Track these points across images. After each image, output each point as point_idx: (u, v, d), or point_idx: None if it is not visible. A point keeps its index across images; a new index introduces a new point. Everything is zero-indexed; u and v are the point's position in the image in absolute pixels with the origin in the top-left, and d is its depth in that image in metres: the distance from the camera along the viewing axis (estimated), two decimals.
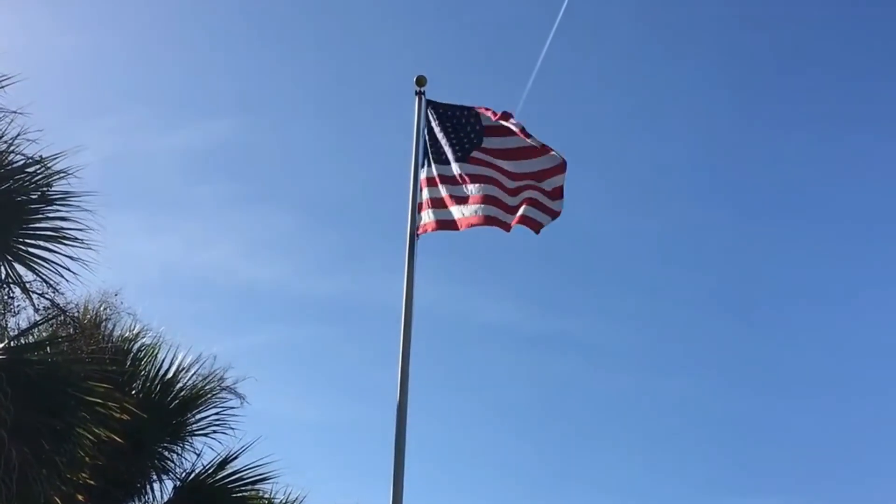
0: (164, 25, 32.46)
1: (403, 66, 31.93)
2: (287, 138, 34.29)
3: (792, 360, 32.36)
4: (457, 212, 10.97)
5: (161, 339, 11.94)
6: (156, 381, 11.75)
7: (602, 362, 32.60)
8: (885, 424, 29.35)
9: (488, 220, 10.96)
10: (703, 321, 33.73)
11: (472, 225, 10.94)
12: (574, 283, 34.11)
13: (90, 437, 9.56)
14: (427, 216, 10.99)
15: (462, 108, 11.44)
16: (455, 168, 11.13)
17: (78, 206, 9.40)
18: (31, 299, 9.62)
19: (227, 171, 33.67)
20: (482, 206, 10.95)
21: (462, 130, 11.30)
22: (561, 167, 11.11)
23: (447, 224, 10.96)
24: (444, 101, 11.45)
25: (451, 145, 11.21)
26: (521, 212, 11.00)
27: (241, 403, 12.08)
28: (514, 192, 11.12)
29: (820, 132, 33.58)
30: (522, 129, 11.22)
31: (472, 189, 11.02)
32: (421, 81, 11.44)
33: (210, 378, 11.98)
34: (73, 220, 9.42)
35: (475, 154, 11.19)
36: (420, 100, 11.37)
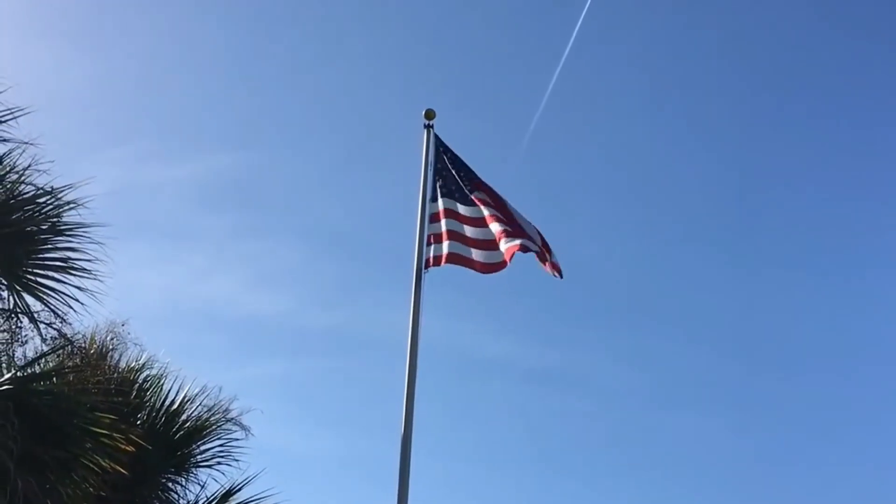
0: (172, 58, 32.73)
1: (412, 98, 32.11)
2: (292, 170, 34.45)
3: (793, 394, 32.23)
4: (472, 252, 10.88)
5: (167, 369, 11.93)
6: (161, 412, 11.71)
7: (603, 398, 32.48)
8: None
9: (501, 264, 10.87)
10: (704, 358, 33.60)
11: (493, 269, 10.85)
12: (575, 319, 34.03)
13: (95, 467, 9.50)
14: (437, 249, 10.90)
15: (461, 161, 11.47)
16: (463, 208, 11.12)
17: (87, 237, 9.45)
18: (38, 329, 9.65)
19: (232, 203, 33.79)
20: (495, 250, 10.83)
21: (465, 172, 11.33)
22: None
23: (457, 258, 10.88)
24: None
25: (460, 184, 11.23)
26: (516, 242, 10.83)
27: (246, 435, 12.06)
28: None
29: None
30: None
31: (480, 230, 10.96)
32: (430, 115, 11.47)
33: (215, 409, 11.95)
34: (82, 251, 9.46)
35: (475, 196, 11.20)
36: (429, 133, 11.40)
